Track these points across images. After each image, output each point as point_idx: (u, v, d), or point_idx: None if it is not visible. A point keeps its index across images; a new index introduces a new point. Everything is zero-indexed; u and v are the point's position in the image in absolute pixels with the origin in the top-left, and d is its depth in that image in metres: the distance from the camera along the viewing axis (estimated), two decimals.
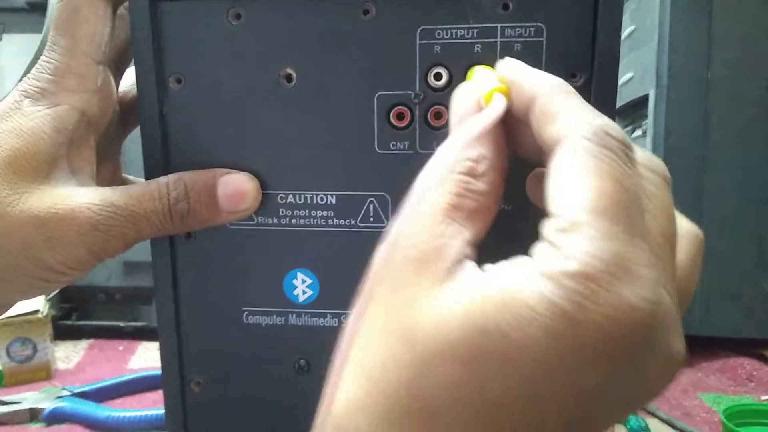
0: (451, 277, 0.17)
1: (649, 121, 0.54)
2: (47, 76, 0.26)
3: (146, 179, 0.28)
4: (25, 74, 0.49)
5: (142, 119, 0.28)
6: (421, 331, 0.16)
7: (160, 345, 0.29)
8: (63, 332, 0.65)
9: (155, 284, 0.29)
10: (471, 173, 0.19)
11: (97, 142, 0.28)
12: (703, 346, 0.58)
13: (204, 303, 0.29)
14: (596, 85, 0.25)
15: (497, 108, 0.20)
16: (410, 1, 0.26)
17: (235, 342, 0.29)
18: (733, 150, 0.54)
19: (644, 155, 0.19)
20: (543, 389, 0.15)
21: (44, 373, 0.56)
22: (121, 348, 0.63)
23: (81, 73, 0.26)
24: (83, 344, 0.65)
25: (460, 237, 0.18)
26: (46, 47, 0.27)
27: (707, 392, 0.53)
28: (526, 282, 0.15)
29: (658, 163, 0.19)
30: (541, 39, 0.25)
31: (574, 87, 0.25)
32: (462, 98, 0.22)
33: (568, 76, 0.25)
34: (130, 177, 0.32)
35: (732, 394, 0.53)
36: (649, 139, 0.54)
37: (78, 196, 0.25)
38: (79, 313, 0.69)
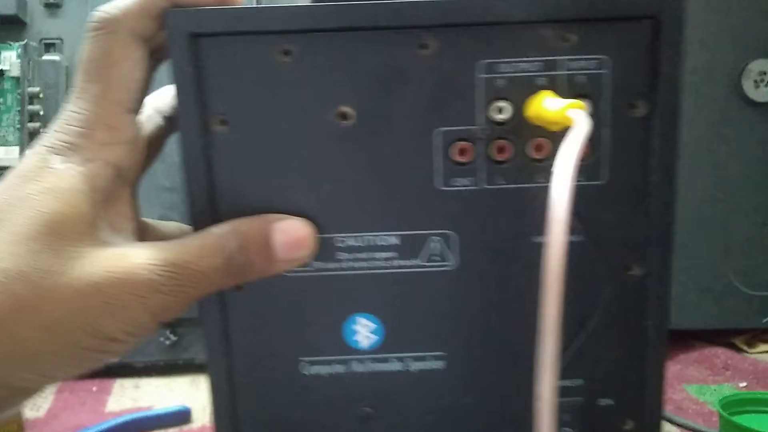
0: None
1: None
2: (76, 128, 0.23)
3: (194, 228, 0.26)
4: None
5: (186, 164, 0.25)
6: None
7: (213, 409, 0.27)
8: None
9: (206, 344, 0.27)
10: None
11: (132, 195, 0.26)
12: (679, 339, 0.61)
13: (259, 358, 0.27)
14: (659, 115, 0.25)
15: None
16: (470, 34, 0.25)
17: (294, 396, 0.28)
18: (700, 152, 0.57)
19: None
20: None
21: (15, 426, 0.51)
22: (94, 388, 0.58)
23: (113, 124, 0.24)
24: (50, 387, 0.60)
25: None
26: (74, 94, 0.24)
27: (691, 383, 0.55)
28: None
29: None
30: (605, 71, 0.25)
31: (635, 117, 0.26)
32: None
33: (630, 106, 0.26)
34: (149, 221, 0.30)
35: (712, 384, 0.55)
36: None
37: (134, 257, 0.23)
38: None
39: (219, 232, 0.24)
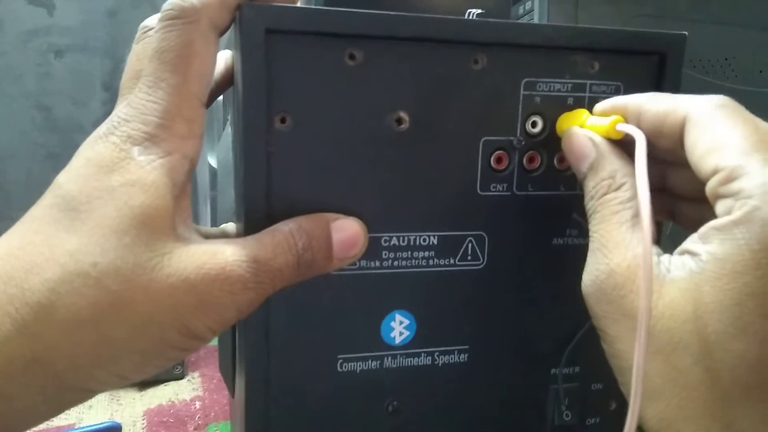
0: None
1: None
2: (155, 119, 0.22)
3: (246, 223, 0.25)
4: None
5: (245, 160, 0.25)
6: None
7: (246, 409, 0.27)
8: None
9: (246, 342, 0.26)
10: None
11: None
12: None
13: (297, 356, 0.27)
14: None
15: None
16: (517, 54, 0.27)
17: (326, 392, 0.28)
18: None
19: None
20: None
21: None
22: None
23: (190, 117, 0.23)
24: None
25: None
26: (147, 83, 0.22)
27: None
28: None
29: None
30: (618, 95, 0.29)
31: None
32: (579, 139, 0.26)
33: None
34: None
35: None
36: None
37: (224, 253, 0.22)
38: None
39: (287, 229, 0.24)
